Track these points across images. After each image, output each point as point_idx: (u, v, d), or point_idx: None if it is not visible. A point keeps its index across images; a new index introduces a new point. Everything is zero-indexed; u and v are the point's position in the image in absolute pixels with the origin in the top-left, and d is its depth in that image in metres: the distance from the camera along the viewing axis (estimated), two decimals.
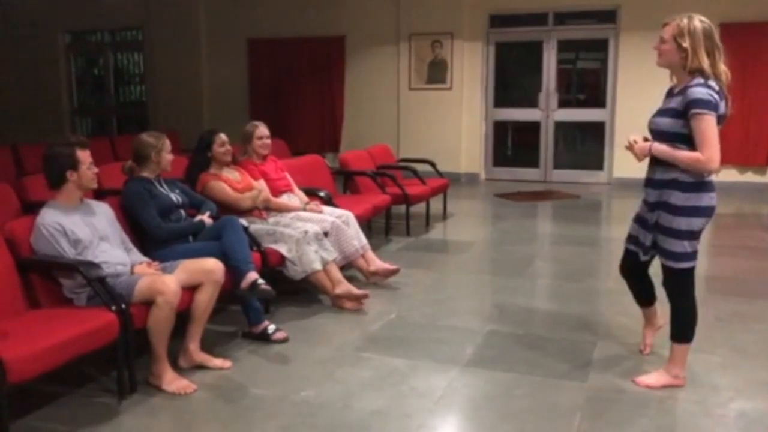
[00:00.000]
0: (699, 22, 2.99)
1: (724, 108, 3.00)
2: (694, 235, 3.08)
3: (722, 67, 3.00)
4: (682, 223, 3.04)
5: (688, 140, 2.98)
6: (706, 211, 3.06)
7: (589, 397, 3.20)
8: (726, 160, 8.98)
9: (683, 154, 2.98)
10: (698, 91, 2.92)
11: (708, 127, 2.90)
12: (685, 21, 2.98)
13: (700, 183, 3.02)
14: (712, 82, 2.96)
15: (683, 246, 3.08)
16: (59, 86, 12.62)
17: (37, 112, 12.10)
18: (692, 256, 3.12)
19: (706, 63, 2.96)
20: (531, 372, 3.48)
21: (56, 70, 12.54)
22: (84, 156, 3.36)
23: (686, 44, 2.97)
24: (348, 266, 4.85)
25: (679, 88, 3.07)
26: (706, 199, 3.04)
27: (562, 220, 7.85)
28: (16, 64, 12.25)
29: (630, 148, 3.14)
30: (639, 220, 3.32)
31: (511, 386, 3.32)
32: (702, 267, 5.39)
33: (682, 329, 3.21)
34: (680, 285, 3.17)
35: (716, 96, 2.93)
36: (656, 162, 3.11)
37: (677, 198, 3.04)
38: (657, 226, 3.14)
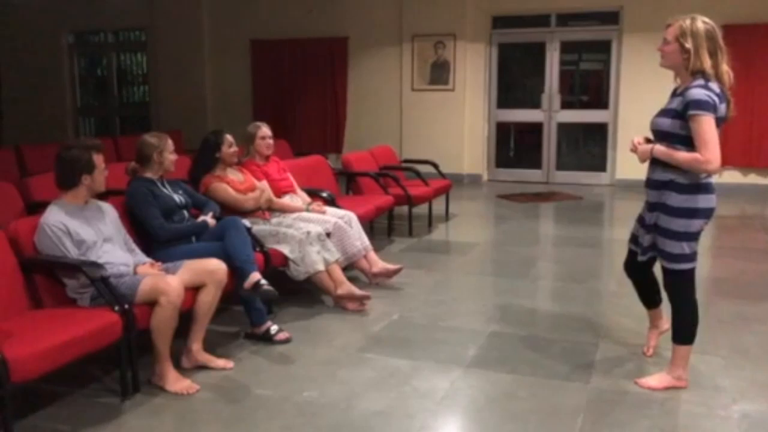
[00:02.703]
0: (702, 23, 2.99)
1: (725, 110, 3.00)
2: (692, 237, 3.08)
3: (725, 69, 3.00)
4: (680, 224, 3.05)
5: (687, 141, 2.98)
6: (704, 213, 3.06)
7: (592, 399, 3.20)
8: (729, 162, 9.09)
9: (682, 156, 2.98)
10: (697, 93, 2.92)
11: (706, 128, 2.90)
12: (688, 22, 2.99)
13: (697, 185, 3.02)
14: (712, 84, 2.96)
15: (681, 247, 3.08)
16: (62, 86, 12.63)
17: (41, 113, 12.13)
18: (691, 257, 3.11)
19: (708, 64, 2.96)
20: (533, 373, 3.48)
21: (59, 71, 12.56)
22: (100, 160, 3.39)
23: (689, 45, 2.97)
24: (350, 267, 4.86)
25: (681, 89, 3.08)
26: (704, 201, 3.03)
27: (565, 221, 7.84)
28: (19, 64, 12.27)
29: (634, 150, 3.15)
30: (640, 219, 3.33)
31: (514, 387, 3.33)
32: (705, 269, 5.42)
33: (683, 331, 3.21)
34: (679, 286, 3.17)
35: (715, 98, 2.93)
36: (656, 162, 3.12)
37: (675, 199, 3.04)
38: (656, 227, 3.15)
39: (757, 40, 8.72)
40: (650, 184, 3.17)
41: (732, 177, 9.03)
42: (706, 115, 2.89)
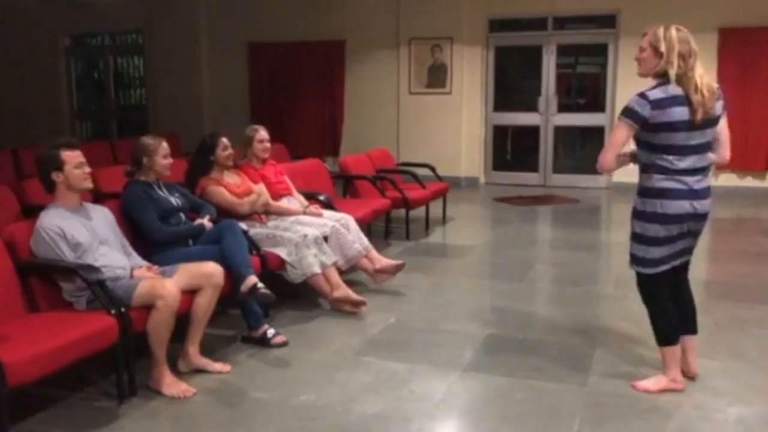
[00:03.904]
0: (675, 30, 3.02)
1: (684, 114, 2.95)
2: (648, 241, 3.09)
3: (698, 73, 2.98)
4: (636, 226, 3.16)
5: (645, 146, 3.08)
6: (662, 219, 3.04)
7: (589, 402, 3.20)
8: (725, 165, 9.04)
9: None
10: (629, 100, 3.04)
11: (615, 131, 3.07)
12: (661, 30, 3.03)
13: (655, 189, 3.05)
14: (665, 88, 2.98)
15: (638, 249, 3.16)
16: (59, 90, 12.61)
17: (38, 116, 12.09)
18: (650, 263, 3.13)
19: (674, 67, 2.97)
20: (530, 376, 3.48)
21: (56, 73, 12.54)
22: (70, 156, 3.33)
23: (662, 49, 3.00)
24: (352, 269, 4.85)
25: None
26: (663, 207, 3.03)
27: (562, 224, 7.85)
28: (16, 67, 12.24)
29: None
30: None
31: (511, 390, 3.33)
32: (701, 272, 5.42)
33: (658, 333, 3.26)
34: (644, 288, 3.25)
35: (646, 104, 2.96)
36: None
37: (636, 202, 3.17)
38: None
39: (753, 43, 8.72)
40: None
41: (728, 180, 9.05)
42: (622, 121, 3.02)
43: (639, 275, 3.23)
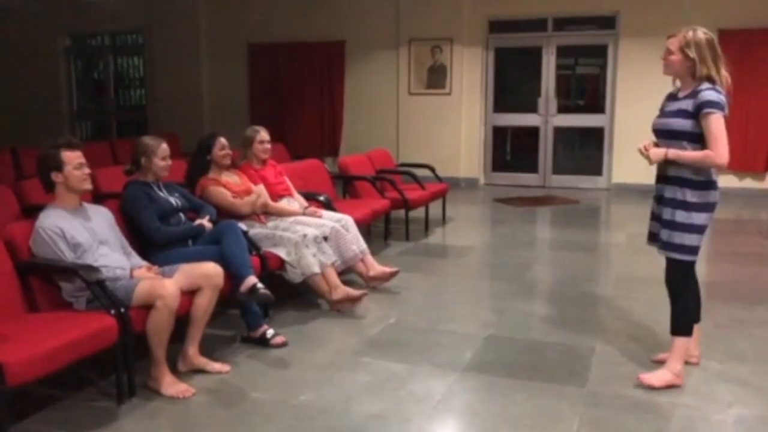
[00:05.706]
0: (702, 33, 3.16)
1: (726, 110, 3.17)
2: (698, 230, 3.22)
3: (724, 74, 3.17)
4: (696, 218, 3.20)
5: (699, 138, 3.13)
6: (714, 207, 3.24)
7: (588, 403, 3.20)
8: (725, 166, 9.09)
9: (693, 154, 3.13)
10: (709, 94, 3.10)
11: (717, 125, 3.08)
12: (690, 33, 3.15)
13: (713, 181, 3.20)
14: (718, 87, 3.14)
15: (690, 239, 3.22)
16: (59, 89, 12.61)
17: (37, 116, 12.09)
18: (695, 250, 3.25)
19: (714, 70, 3.13)
20: (530, 377, 3.48)
21: (56, 73, 12.53)
22: (70, 157, 3.32)
23: (693, 54, 3.13)
24: (347, 271, 4.86)
25: (685, 93, 3.21)
26: (713, 197, 3.21)
27: (561, 225, 7.85)
28: (16, 66, 12.24)
29: (645, 154, 3.26)
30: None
31: (510, 391, 3.33)
32: (701, 273, 5.38)
33: (681, 323, 3.32)
34: (680, 277, 3.32)
35: (723, 98, 3.11)
36: (669, 161, 3.23)
37: (689, 195, 3.19)
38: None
39: (751, 44, 8.73)
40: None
41: (727, 181, 9.01)
42: (717, 113, 3.07)
43: (679, 264, 3.27)
